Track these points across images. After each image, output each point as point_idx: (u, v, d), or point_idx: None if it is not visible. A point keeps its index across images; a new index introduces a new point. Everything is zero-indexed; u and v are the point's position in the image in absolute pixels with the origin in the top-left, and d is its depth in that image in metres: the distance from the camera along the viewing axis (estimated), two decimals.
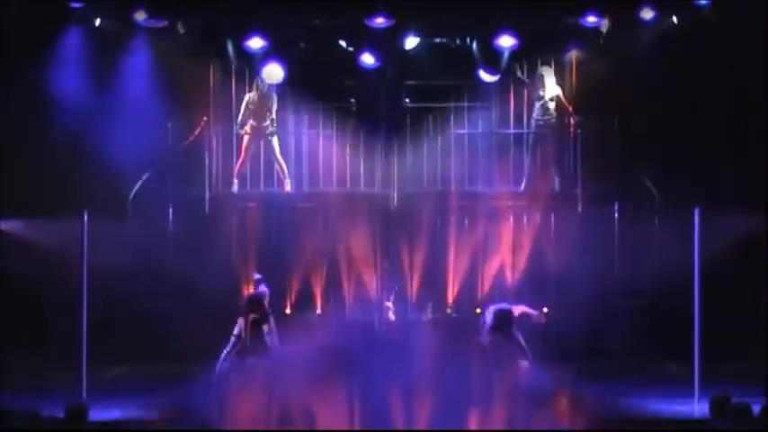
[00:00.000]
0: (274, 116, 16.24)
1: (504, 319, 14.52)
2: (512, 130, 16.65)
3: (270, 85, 16.12)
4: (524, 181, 16.30)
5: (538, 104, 16.20)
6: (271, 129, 16.20)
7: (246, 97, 16.23)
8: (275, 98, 16.24)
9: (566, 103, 16.19)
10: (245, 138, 16.26)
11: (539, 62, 16.46)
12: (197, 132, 16.12)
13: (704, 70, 15.54)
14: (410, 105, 16.43)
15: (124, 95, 15.84)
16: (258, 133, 16.20)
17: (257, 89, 16.12)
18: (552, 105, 16.14)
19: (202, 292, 15.38)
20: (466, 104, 16.56)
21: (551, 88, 16.15)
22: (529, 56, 16.39)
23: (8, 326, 14.97)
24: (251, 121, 16.17)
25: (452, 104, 16.53)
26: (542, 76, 16.14)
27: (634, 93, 15.87)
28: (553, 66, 16.38)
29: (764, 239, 14.83)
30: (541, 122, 16.22)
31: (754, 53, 15.23)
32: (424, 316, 16.04)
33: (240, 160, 16.32)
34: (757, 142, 15.43)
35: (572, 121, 16.19)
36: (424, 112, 16.52)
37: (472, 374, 13.57)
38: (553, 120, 16.18)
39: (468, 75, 16.12)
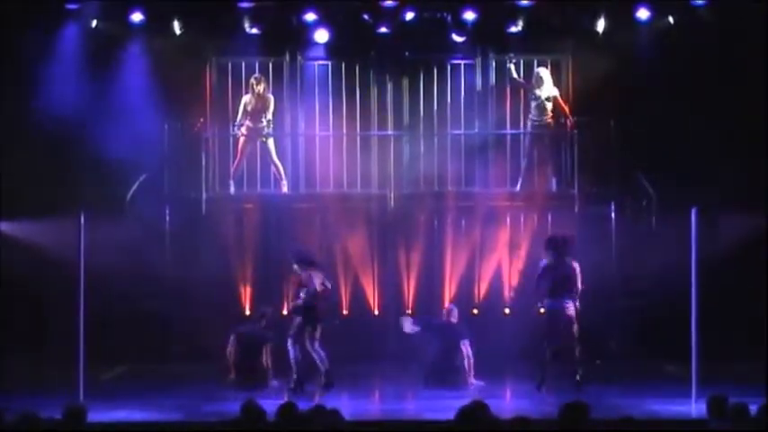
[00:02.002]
0: (270, 118, 16.23)
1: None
2: (508, 131, 16.67)
3: (266, 87, 16.15)
4: (521, 181, 16.29)
5: (534, 105, 16.19)
6: (267, 130, 16.19)
7: (244, 99, 16.24)
8: (272, 100, 16.23)
9: (562, 104, 16.20)
10: (241, 139, 16.25)
11: (535, 62, 16.49)
12: (194, 133, 16.11)
13: (703, 70, 15.57)
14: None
15: (121, 96, 15.84)
16: (254, 134, 16.19)
17: (253, 91, 16.12)
18: (549, 106, 16.12)
19: (199, 292, 15.39)
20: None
21: (548, 89, 16.13)
22: (525, 56, 16.48)
23: (7, 326, 14.97)
24: (247, 123, 16.17)
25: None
26: (540, 77, 16.13)
27: (632, 93, 15.89)
28: (549, 66, 16.40)
29: (764, 239, 14.86)
30: (538, 123, 16.21)
31: (753, 53, 15.24)
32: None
33: (236, 161, 16.31)
34: (757, 142, 15.44)
35: (568, 121, 16.20)
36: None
37: None
38: (550, 120, 16.18)
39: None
